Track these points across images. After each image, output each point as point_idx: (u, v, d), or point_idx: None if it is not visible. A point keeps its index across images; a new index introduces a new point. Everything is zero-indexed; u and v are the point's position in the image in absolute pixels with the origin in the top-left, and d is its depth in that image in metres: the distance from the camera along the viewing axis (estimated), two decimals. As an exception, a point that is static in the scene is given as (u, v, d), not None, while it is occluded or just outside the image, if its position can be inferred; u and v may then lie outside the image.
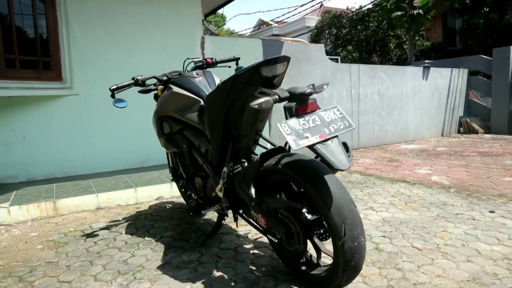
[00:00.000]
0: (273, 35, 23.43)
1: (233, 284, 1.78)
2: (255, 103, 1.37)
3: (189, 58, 2.57)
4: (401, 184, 3.68)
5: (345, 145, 1.63)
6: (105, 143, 4.25)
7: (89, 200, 3.17)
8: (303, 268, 1.72)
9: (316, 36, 16.76)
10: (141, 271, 1.96)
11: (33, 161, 3.90)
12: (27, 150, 3.86)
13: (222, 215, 2.22)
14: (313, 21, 18.39)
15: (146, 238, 2.47)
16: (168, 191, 3.54)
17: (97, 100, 4.08)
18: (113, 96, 2.25)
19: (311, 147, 1.34)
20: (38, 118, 3.88)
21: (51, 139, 3.97)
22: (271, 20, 21.32)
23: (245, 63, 5.09)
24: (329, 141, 1.37)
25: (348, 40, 15.80)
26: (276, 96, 1.41)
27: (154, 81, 2.44)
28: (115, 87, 2.23)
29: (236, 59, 2.62)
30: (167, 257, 2.15)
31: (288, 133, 1.34)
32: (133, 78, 2.34)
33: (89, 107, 4.12)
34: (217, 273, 1.90)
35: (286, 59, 1.55)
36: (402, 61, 14.15)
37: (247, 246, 2.24)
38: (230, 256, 2.12)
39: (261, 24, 23.62)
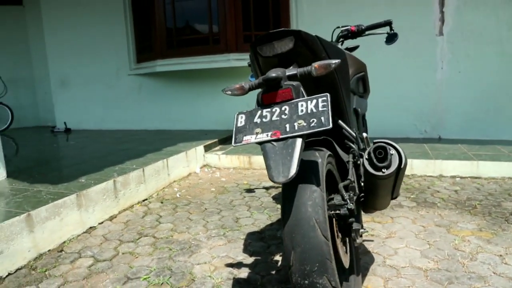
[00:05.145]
0: None
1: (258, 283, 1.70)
2: (227, 88, 1.22)
3: (338, 27, 2.34)
4: None
5: (381, 149, 1.16)
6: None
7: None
8: None
9: None
10: (234, 231, 2.18)
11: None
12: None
13: None
14: None
15: (279, 205, 2.61)
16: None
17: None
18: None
19: (261, 145, 1.07)
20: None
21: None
22: None
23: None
24: (283, 142, 1.04)
25: None
26: (255, 81, 1.18)
27: None
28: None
29: (387, 23, 2.14)
30: (269, 229, 2.24)
31: (240, 125, 1.12)
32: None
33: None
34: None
35: (288, 33, 1.21)
36: None
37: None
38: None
39: None
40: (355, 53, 2.38)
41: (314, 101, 1.07)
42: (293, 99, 1.11)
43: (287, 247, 1.07)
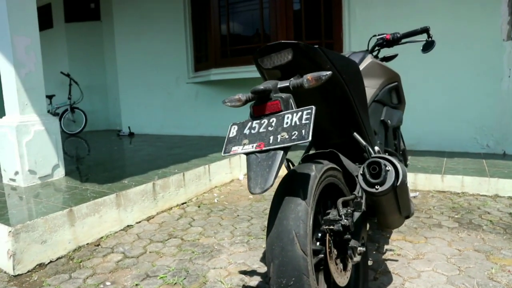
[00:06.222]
0: None
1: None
2: (227, 100, 1.24)
3: (375, 36, 2.26)
4: None
5: (376, 165, 1.12)
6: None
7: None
8: None
9: None
10: (258, 239, 2.19)
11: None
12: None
13: None
14: None
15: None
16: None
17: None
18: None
19: (247, 156, 1.08)
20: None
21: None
22: None
23: None
24: (265, 153, 1.04)
25: None
26: (249, 94, 1.19)
27: None
28: None
29: (424, 30, 2.01)
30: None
31: (231, 135, 1.14)
32: None
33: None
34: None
35: (286, 45, 1.20)
36: None
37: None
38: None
39: None
40: (392, 63, 2.28)
41: (300, 113, 1.06)
42: (281, 111, 1.11)
43: (268, 259, 1.07)
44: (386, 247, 2.03)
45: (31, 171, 2.70)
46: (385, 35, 2.15)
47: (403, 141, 2.46)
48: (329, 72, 1.10)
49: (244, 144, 1.11)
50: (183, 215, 2.66)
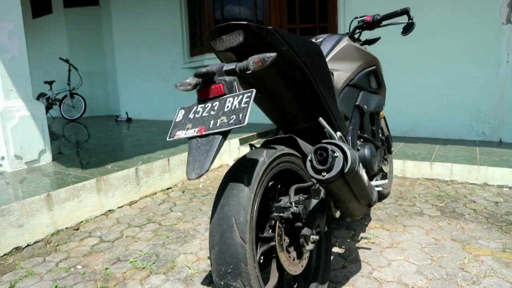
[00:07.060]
0: None
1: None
2: (179, 84, 1.20)
3: (356, 18, 2.19)
4: None
5: (323, 150, 1.08)
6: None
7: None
8: None
9: None
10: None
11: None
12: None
13: None
14: None
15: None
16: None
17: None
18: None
19: (189, 140, 1.05)
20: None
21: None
22: None
23: None
24: (205, 138, 1.01)
25: None
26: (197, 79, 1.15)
27: None
28: None
29: (404, 12, 1.93)
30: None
31: (178, 119, 1.11)
32: None
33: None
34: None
35: (236, 26, 1.15)
36: None
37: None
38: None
39: None
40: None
41: (240, 97, 1.02)
42: (225, 94, 1.07)
43: (209, 245, 1.06)
44: (362, 234, 2.00)
45: (17, 156, 2.72)
46: (365, 17, 2.08)
47: (387, 127, 2.40)
48: (273, 54, 1.05)
49: (188, 129, 1.08)
50: (165, 200, 2.66)
